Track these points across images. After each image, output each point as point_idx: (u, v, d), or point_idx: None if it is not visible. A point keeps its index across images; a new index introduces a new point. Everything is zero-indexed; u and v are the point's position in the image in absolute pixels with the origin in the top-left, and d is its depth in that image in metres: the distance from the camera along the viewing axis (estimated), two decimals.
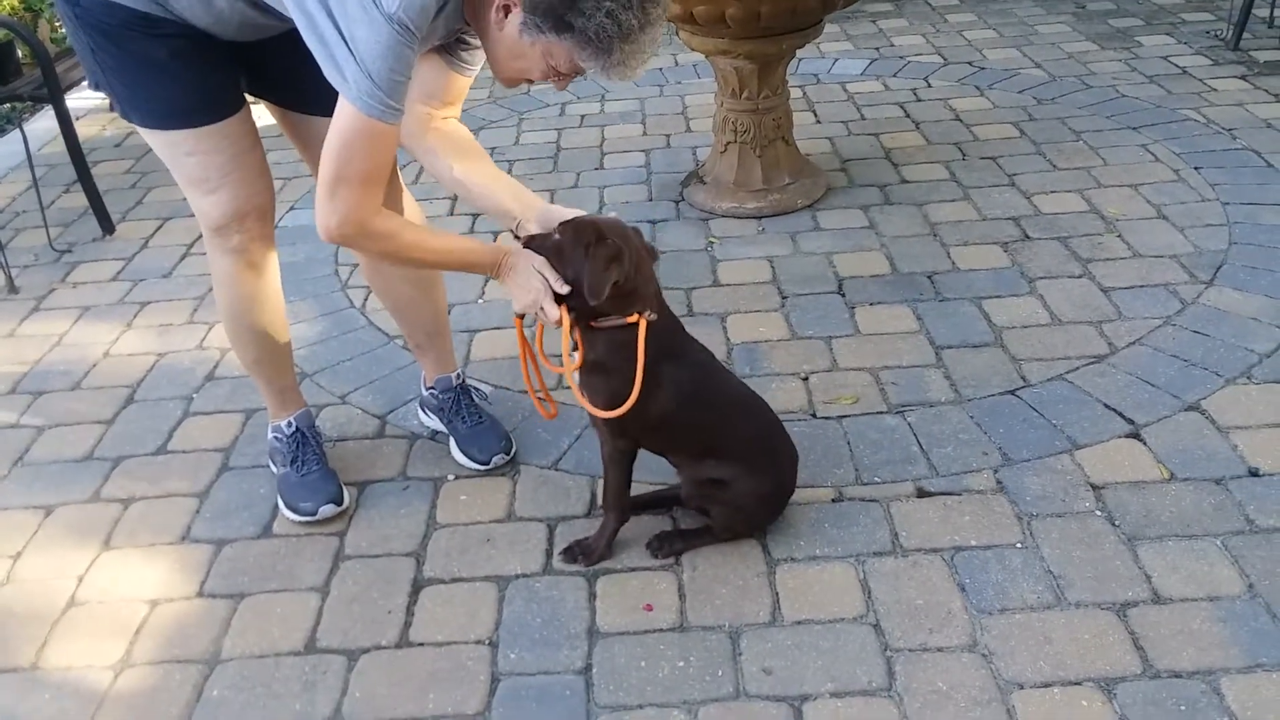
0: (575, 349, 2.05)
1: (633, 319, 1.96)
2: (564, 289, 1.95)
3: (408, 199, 2.27)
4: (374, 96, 1.70)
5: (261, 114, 2.13)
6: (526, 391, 2.16)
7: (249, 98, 2.10)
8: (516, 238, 2.04)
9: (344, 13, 1.66)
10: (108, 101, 4.96)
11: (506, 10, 1.71)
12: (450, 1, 1.75)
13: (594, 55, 1.70)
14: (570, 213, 2.04)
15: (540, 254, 1.97)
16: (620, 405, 1.98)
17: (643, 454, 2.13)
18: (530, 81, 1.84)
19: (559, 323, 1.96)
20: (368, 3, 1.64)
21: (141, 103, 1.98)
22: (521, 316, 2.05)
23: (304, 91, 1.96)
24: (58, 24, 4.52)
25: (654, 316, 1.98)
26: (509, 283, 2.01)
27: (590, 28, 1.66)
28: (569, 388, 2.07)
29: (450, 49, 1.99)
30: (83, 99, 4.96)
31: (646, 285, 1.99)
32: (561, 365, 2.02)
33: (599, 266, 1.91)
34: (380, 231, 1.89)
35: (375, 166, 1.81)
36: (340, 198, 1.80)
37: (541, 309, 1.96)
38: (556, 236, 1.97)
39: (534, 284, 1.96)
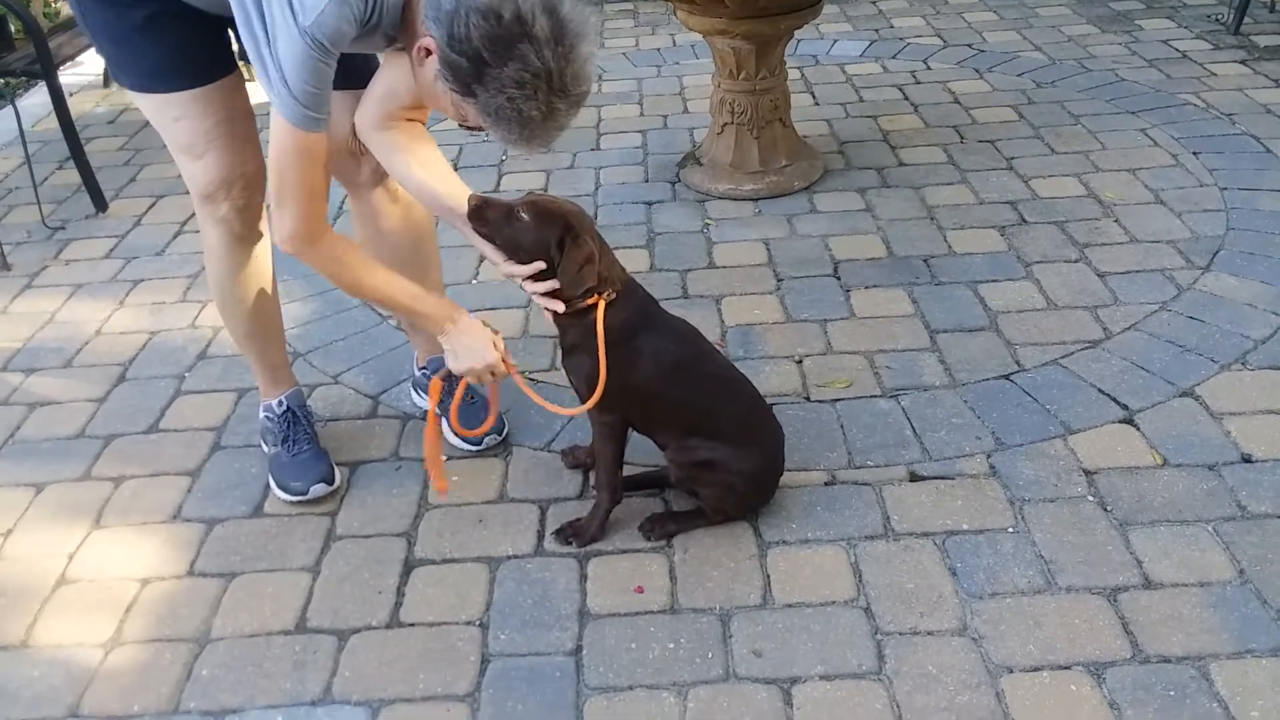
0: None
1: (591, 301, 1.98)
2: (551, 285, 1.98)
3: (416, 206, 2.30)
4: (292, 104, 1.73)
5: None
6: (428, 464, 2.14)
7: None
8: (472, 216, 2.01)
9: (270, 19, 1.69)
10: (101, 78, 4.95)
11: (427, 53, 1.71)
12: (384, 20, 1.76)
13: (493, 127, 1.71)
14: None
15: (497, 233, 1.97)
16: (597, 381, 2.01)
17: (634, 435, 2.12)
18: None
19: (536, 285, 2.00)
20: (288, 14, 1.66)
21: (129, 65, 2.01)
22: (444, 379, 2.10)
23: None
24: None
25: (613, 296, 1.99)
26: (458, 342, 2.04)
27: (491, 105, 1.66)
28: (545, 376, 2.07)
29: None
30: (76, 75, 4.92)
31: (611, 268, 2.01)
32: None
33: (573, 268, 1.94)
34: (327, 254, 1.94)
35: (311, 178, 1.84)
36: (285, 210, 1.86)
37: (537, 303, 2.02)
38: (524, 216, 1.95)
39: (485, 351, 2.03)
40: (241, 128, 2.06)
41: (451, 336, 2.05)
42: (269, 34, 1.70)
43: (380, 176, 2.24)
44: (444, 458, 2.24)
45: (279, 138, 1.80)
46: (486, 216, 1.98)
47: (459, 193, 2.06)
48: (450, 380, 2.44)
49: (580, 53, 1.65)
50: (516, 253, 1.98)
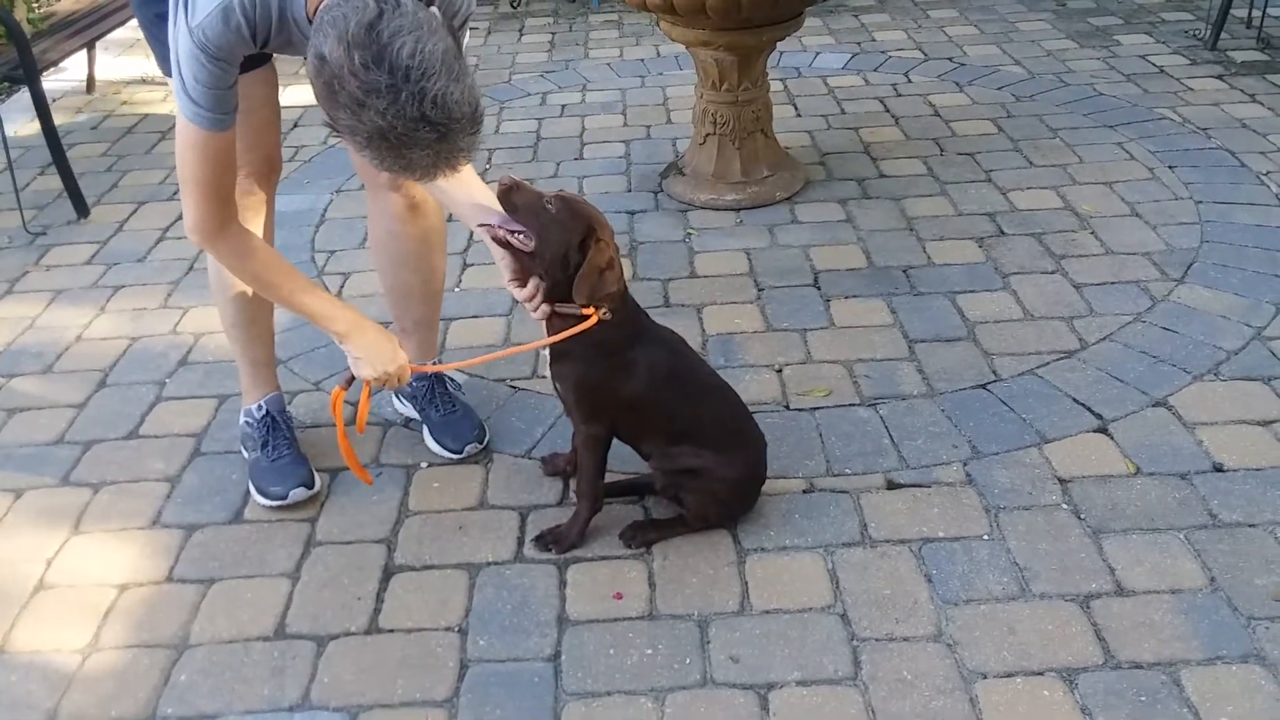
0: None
1: (587, 312, 1.96)
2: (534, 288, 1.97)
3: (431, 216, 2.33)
4: (184, 98, 1.76)
5: None
6: (349, 464, 2.11)
7: None
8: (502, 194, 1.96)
9: (176, 9, 1.73)
10: (84, 84, 4.93)
11: None
12: (291, 38, 1.77)
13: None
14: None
15: (522, 218, 1.92)
16: (588, 391, 2.02)
17: (616, 442, 2.13)
18: None
19: (534, 302, 1.99)
20: (180, 9, 1.71)
21: (157, 52, 2.05)
22: (345, 388, 2.05)
23: None
24: (35, 3, 4.47)
25: (608, 315, 1.97)
26: (363, 349, 1.99)
27: (365, 158, 1.60)
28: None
29: None
30: (59, 81, 4.91)
31: (619, 282, 2.01)
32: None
33: (594, 272, 1.92)
34: (227, 250, 1.95)
35: (208, 176, 1.84)
36: (185, 200, 1.88)
37: (519, 296, 1.99)
38: (551, 208, 1.92)
39: (392, 357, 1.99)
40: (257, 119, 2.08)
41: (355, 343, 2.00)
42: (175, 24, 1.74)
43: (400, 181, 2.25)
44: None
45: (178, 128, 1.83)
46: (514, 200, 1.92)
47: (481, 197, 2.02)
48: (433, 381, 2.46)
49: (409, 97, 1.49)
50: (544, 236, 1.92)
